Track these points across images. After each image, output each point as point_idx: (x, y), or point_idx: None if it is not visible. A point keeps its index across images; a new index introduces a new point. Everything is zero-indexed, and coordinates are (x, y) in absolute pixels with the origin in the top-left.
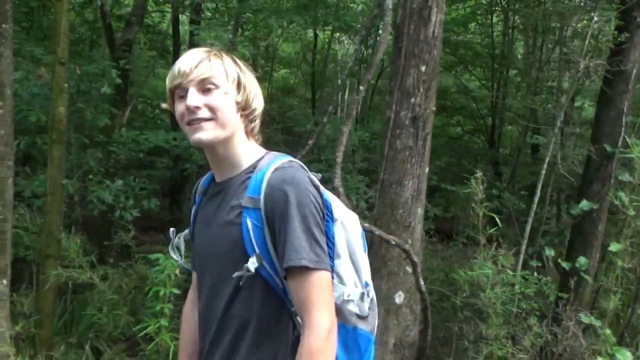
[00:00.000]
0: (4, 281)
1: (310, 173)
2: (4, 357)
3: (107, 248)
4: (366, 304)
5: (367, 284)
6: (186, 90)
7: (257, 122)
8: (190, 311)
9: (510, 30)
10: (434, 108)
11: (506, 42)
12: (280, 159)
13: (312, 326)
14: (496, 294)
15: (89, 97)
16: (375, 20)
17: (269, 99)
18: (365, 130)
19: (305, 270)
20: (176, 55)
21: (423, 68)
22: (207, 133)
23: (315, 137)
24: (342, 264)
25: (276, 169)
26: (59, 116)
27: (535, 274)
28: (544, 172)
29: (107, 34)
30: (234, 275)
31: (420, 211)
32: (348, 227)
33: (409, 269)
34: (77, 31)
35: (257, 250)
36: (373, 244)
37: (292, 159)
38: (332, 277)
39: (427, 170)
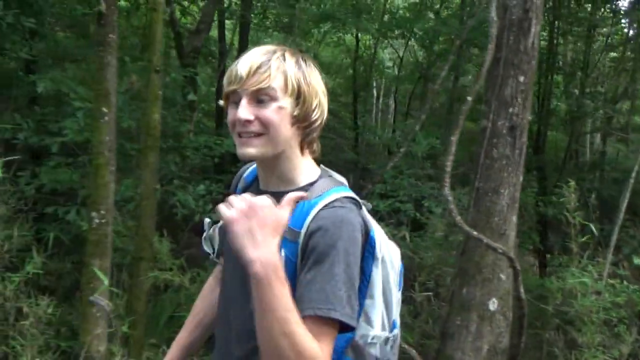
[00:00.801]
0: (105, 282)
1: (362, 205)
2: (104, 357)
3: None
4: (389, 347)
5: (394, 324)
6: (240, 98)
7: (315, 135)
8: (211, 287)
9: (556, 35)
10: (529, 117)
11: (552, 47)
12: (334, 192)
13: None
14: (592, 302)
15: (172, 103)
16: (467, 30)
17: None
18: (434, 137)
19: (329, 321)
20: (222, 58)
21: (522, 78)
22: (255, 149)
23: (405, 147)
24: (374, 305)
25: (326, 205)
26: (154, 123)
27: (624, 282)
28: (632, 180)
29: (177, 42)
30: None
31: (514, 219)
32: (388, 265)
33: (503, 276)
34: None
35: (287, 283)
36: (466, 251)
37: (347, 192)
38: (359, 317)
39: (521, 179)
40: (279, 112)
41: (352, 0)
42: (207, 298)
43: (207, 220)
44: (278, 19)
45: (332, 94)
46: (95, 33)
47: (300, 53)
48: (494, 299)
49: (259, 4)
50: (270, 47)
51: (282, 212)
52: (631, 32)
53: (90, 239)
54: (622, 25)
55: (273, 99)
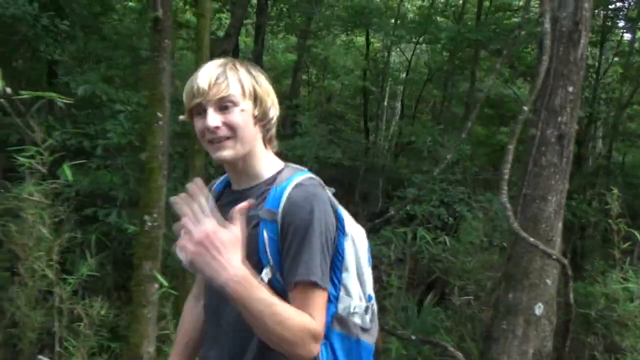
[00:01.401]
0: (156, 285)
1: (327, 189)
2: (153, 357)
3: None
4: (369, 317)
5: (370, 297)
6: (205, 109)
7: (274, 130)
8: (192, 305)
9: None
10: (576, 127)
11: None
12: (300, 175)
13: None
14: (635, 307)
15: None
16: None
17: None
18: (467, 143)
19: (313, 285)
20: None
21: (570, 88)
22: (228, 151)
23: (450, 154)
24: (350, 277)
25: (297, 185)
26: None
27: None
28: None
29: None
30: None
31: (560, 226)
32: (357, 241)
33: (549, 282)
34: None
35: (272, 262)
36: (513, 257)
37: (312, 175)
38: (339, 290)
39: (567, 186)
40: (242, 115)
41: (365, 4)
42: (189, 321)
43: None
44: (292, 23)
45: (341, 97)
46: (152, 38)
47: (246, 61)
48: (540, 304)
49: (274, 8)
50: (220, 61)
51: (234, 229)
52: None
53: (142, 242)
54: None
55: (235, 104)
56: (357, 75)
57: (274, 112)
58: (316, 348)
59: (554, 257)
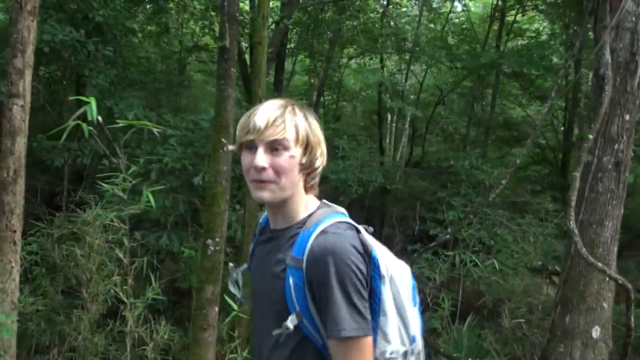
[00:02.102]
0: (216, 308)
1: (359, 229)
2: None
3: None
4: None
5: (414, 339)
6: (256, 147)
7: (317, 179)
8: None
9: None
10: (632, 154)
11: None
12: (329, 219)
13: None
14: None
15: None
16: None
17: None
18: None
19: (344, 340)
20: (246, 83)
21: (627, 117)
22: (269, 194)
23: (506, 179)
24: (389, 321)
25: (321, 233)
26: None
27: None
28: None
29: (242, 69)
30: (274, 333)
31: (615, 250)
32: (398, 282)
33: (605, 305)
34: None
35: (298, 308)
36: (568, 281)
37: (343, 217)
38: (377, 334)
39: (622, 211)
40: (291, 161)
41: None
42: None
43: (230, 264)
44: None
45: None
46: (218, 67)
47: (305, 107)
48: (597, 327)
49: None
50: (281, 102)
51: None
52: None
53: (204, 266)
54: None
55: (286, 148)
56: (370, 97)
57: (321, 161)
58: None
59: (620, 281)
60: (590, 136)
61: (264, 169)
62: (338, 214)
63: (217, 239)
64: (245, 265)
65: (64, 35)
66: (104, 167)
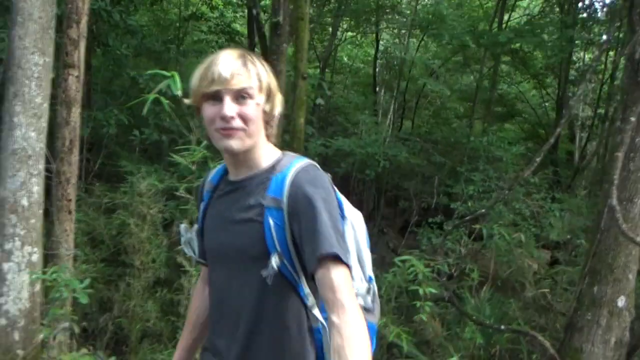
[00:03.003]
0: None
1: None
2: None
3: None
4: (370, 297)
5: (370, 278)
6: (221, 98)
7: (275, 128)
8: (201, 288)
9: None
10: None
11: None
12: (299, 161)
13: (349, 312)
14: None
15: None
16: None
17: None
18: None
19: (336, 259)
20: (266, 58)
21: None
22: (237, 142)
23: (540, 156)
24: (351, 261)
25: (298, 171)
26: (300, 126)
27: None
28: None
29: (262, 43)
30: (262, 274)
31: None
32: (356, 225)
33: (631, 277)
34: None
35: (279, 249)
36: (597, 253)
37: (310, 160)
38: None
39: None
40: (257, 109)
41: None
42: (198, 300)
43: (182, 225)
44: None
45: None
46: (270, 42)
47: (258, 56)
48: (622, 297)
49: None
50: (238, 52)
51: None
52: None
53: None
54: None
55: (251, 97)
56: (365, 71)
57: (279, 109)
58: (364, 324)
59: None
60: (633, 118)
61: (232, 117)
62: (303, 158)
63: None
64: (195, 226)
65: (92, 3)
66: (135, 137)
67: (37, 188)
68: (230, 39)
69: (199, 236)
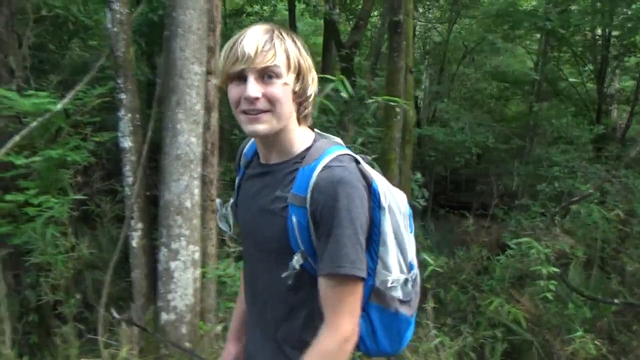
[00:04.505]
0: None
1: (360, 160)
2: None
3: None
4: (409, 287)
5: (412, 266)
6: (245, 77)
7: (310, 109)
8: (243, 295)
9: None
10: None
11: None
12: (329, 153)
13: (335, 328)
14: None
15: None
16: None
17: None
18: None
19: (344, 277)
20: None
21: None
22: (263, 125)
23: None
24: (388, 251)
25: (324, 168)
26: (411, 119)
27: None
28: None
29: (335, 37)
30: (282, 276)
31: None
32: (396, 211)
33: None
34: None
35: (302, 247)
36: None
37: (343, 149)
38: (377, 264)
39: None
40: (284, 89)
41: None
42: (241, 306)
43: (218, 200)
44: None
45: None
46: (390, 40)
47: (291, 31)
48: None
49: None
50: (266, 26)
51: None
52: None
53: None
54: None
55: (278, 76)
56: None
57: (313, 89)
58: (351, 346)
59: None
60: None
61: (257, 98)
62: (337, 146)
63: None
64: (232, 200)
65: None
66: None
67: (197, 190)
68: None
69: (234, 209)
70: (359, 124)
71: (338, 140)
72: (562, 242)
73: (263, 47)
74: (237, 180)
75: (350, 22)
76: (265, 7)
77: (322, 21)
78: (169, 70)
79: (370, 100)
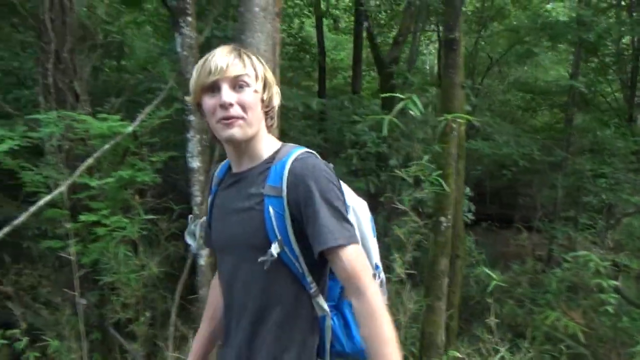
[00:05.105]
0: (446, 279)
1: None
2: (444, 344)
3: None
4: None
5: (377, 266)
6: (219, 87)
7: (275, 120)
8: (216, 284)
9: None
10: None
11: None
12: (298, 150)
13: (366, 291)
14: None
15: None
16: None
17: None
18: None
19: (342, 247)
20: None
21: None
22: (238, 131)
23: None
24: (358, 238)
25: (296, 159)
26: (462, 133)
27: None
28: None
29: (374, 53)
30: (259, 260)
31: None
32: (359, 213)
33: None
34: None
35: (279, 236)
36: None
37: (308, 149)
38: None
39: None
40: (255, 95)
41: None
42: (215, 292)
43: (191, 215)
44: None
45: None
46: (446, 57)
47: (251, 50)
48: None
49: None
50: (230, 47)
51: None
52: None
53: (439, 241)
54: None
55: (248, 84)
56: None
57: (277, 100)
58: (382, 297)
59: None
60: None
61: (231, 104)
62: (302, 147)
63: (449, 217)
64: (204, 218)
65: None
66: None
67: None
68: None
69: (208, 228)
70: (418, 140)
71: (299, 145)
72: (616, 254)
73: (233, 60)
74: (209, 200)
75: (385, 38)
76: (292, 25)
77: (343, 36)
78: None
79: (440, 118)
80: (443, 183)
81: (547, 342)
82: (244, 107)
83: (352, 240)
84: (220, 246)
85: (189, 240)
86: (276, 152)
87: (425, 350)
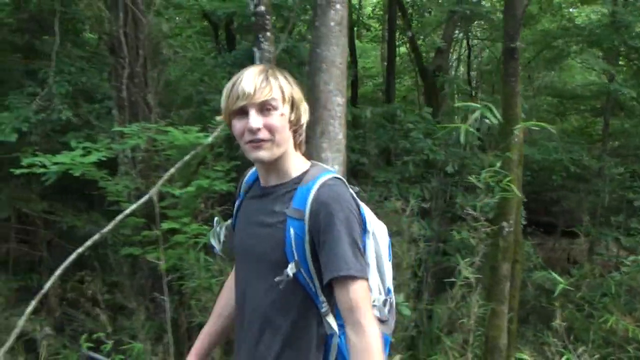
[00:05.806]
0: (509, 283)
1: (350, 188)
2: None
3: None
4: (387, 309)
5: (389, 291)
6: (247, 112)
7: (304, 135)
8: (230, 286)
9: None
10: None
11: None
12: (325, 175)
13: (365, 328)
14: None
15: None
16: None
17: None
18: None
19: (353, 279)
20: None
21: None
22: (266, 152)
23: None
24: (370, 273)
25: (322, 185)
26: (520, 139)
27: None
28: None
29: (418, 62)
30: (275, 280)
31: None
32: (378, 237)
33: None
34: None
35: (297, 258)
36: None
37: (336, 174)
38: None
39: None
40: (281, 119)
41: None
42: (228, 291)
43: (216, 218)
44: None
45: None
46: (505, 66)
47: (284, 70)
48: None
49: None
50: (260, 67)
51: None
52: None
53: (501, 246)
54: None
55: (275, 108)
56: None
57: (305, 118)
58: (380, 339)
59: None
60: None
61: (259, 129)
62: (331, 171)
63: (511, 222)
64: (229, 221)
65: None
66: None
67: None
68: None
69: (232, 231)
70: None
71: (330, 167)
72: None
73: (260, 84)
74: (236, 204)
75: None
76: None
77: (368, 44)
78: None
79: (517, 126)
80: (515, 189)
81: (607, 346)
82: (271, 130)
83: (364, 274)
84: (239, 254)
85: (213, 242)
86: (304, 173)
87: (488, 354)
